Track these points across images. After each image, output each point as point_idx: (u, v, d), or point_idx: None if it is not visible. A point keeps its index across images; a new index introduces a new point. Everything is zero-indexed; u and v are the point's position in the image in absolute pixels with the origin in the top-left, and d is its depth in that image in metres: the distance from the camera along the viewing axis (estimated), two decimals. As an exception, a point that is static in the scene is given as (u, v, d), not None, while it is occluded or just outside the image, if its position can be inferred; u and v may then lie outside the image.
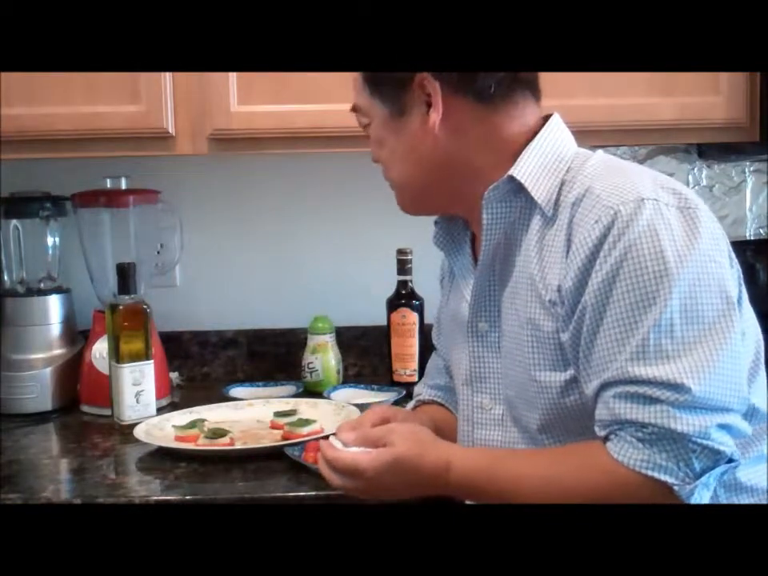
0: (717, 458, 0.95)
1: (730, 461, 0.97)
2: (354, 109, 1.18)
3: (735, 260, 1.05)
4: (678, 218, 0.99)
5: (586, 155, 1.11)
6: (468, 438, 1.20)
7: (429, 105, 1.09)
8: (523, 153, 1.09)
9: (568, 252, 1.02)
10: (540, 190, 1.08)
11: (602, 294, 0.98)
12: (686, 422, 0.94)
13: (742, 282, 1.05)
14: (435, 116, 1.08)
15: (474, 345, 1.17)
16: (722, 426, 0.96)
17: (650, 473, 0.95)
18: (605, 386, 0.99)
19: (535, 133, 1.11)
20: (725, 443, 0.96)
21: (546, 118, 1.13)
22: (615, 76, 1.60)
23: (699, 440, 0.94)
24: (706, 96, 1.71)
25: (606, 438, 1.00)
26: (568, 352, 1.04)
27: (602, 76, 1.53)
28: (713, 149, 1.93)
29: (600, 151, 1.13)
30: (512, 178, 1.08)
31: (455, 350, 1.24)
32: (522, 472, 1.04)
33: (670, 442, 0.95)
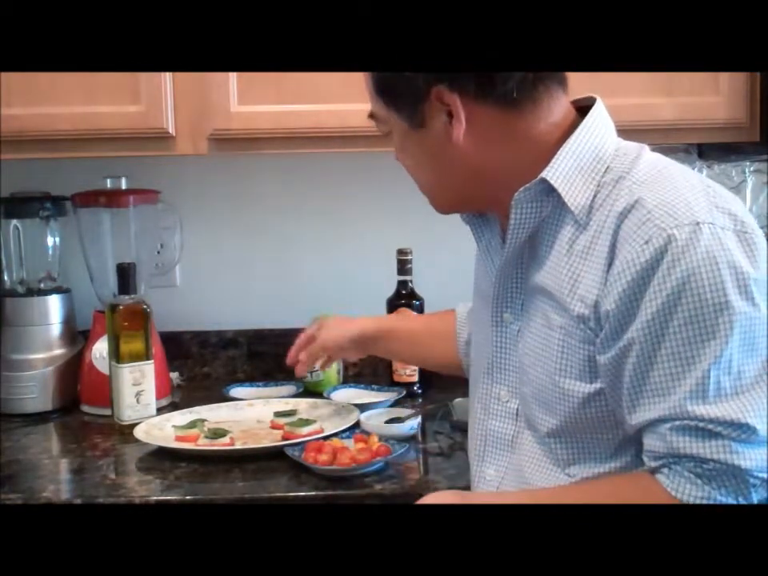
0: None
1: None
2: (372, 116, 1.13)
3: None
4: (736, 244, 0.95)
5: (631, 155, 1.05)
6: (481, 427, 1.18)
7: (450, 115, 1.04)
8: (558, 153, 1.04)
9: (610, 267, 0.97)
10: (573, 195, 1.03)
11: (657, 326, 0.94)
12: (748, 457, 0.92)
13: None
14: (459, 128, 1.04)
15: (497, 334, 1.14)
16: None
17: None
18: (660, 420, 0.96)
19: (569, 126, 1.06)
20: None
21: (584, 108, 1.09)
22: (615, 76, 1.60)
23: (760, 474, 0.93)
24: (706, 96, 1.71)
25: (655, 470, 0.97)
26: (602, 372, 1.00)
27: (602, 76, 1.52)
28: (713, 149, 1.93)
29: (646, 148, 1.08)
30: (544, 180, 1.04)
31: (478, 331, 1.22)
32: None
33: (730, 477, 0.93)
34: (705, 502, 0.94)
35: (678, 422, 0.94)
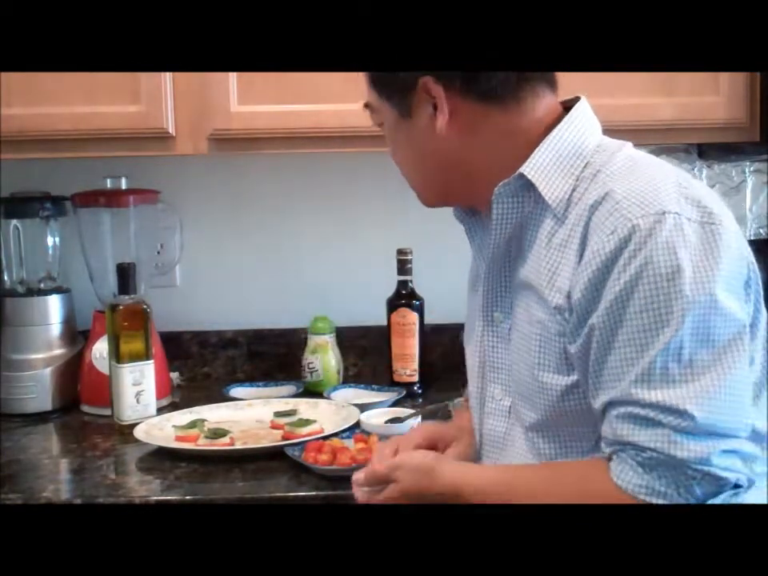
0: (720, 483, 0.93)
1: (737, 486, 0.94)
2: (367, 106, 1.15)
3: (757, 279, 1.00)
4: (699, 235, 0.95)
5: (610, 150, 1.06)
6: (478, 425, 1.19)
7: (435, 107, 1.06)
8: (537, 148, 1.05)
9: (581, 258, 0.99)
10: (551, 189, 1.04)
11: (615, 313, 0.95)
12: (686, 448, 0.92)
13: (762, 302, 1.00)
14: (442, 119, 1.06)
15: (488, 334, 1.15)
16: (727, 452, 0.93)
17: (648, 499, 0.93)
18: (610, 405, 0.97)
19: (552, 123, 1.07)
20: (729, 469, 0.93)
21: (567, 104, 1.09)
22: (615, 76, 1.60)
23: (699, 467, 0.92)
24: (706, 96, 1.71)
25: (609, 456, 0.98)
26: (574, 362, 1.02)
27: (601, 76, 1.53)
28: (713, 149, 1.93)
29: (629, 145, 1.08)
30: (522, 176, 1.05)
31: (471, 330, 1.22)
32: (531, 491, 1.02)
33: (669, 467, 0.93)
34: (644, 491, 0.94)
35: (622, 409, 0.95)
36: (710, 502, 0.93)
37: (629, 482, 0.95)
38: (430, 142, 1.09)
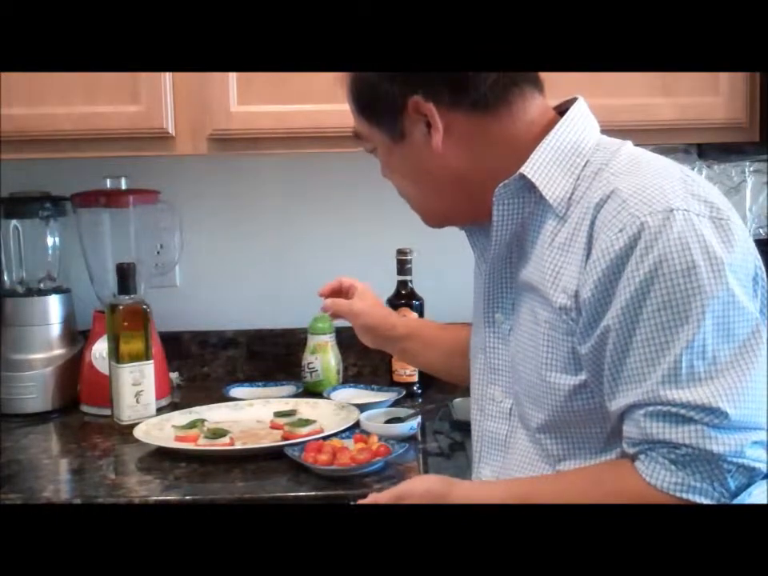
0: (752, 474, 0.94)
1: (765, 477, 0.95)
2: (357, 135, 1.16)
3: (763, 275, 1.00)
4: (711, 230, 0.95)
5: (611, 148, 1.06)
6: (477, 428, 1.19)
7: (428, 125, 1.06)
8: (537, 149, 1.06)
9: (588, 257, 0.98)
10: (552, 189, 1.04)
11: (631, 312, 0.95)
12: (720, 442, 0.92)
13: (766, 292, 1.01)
14: (437, 136, 1.06)
15: (489, 335, 1.15)
16: (756, 443, 0.94)
17: (684, 495, 0.94)
18: (635, 406, 0.96)
19: (548, 125, 1.07)
20: (759, 459, 0.94)
21: (564, 106, 1.10)
22: (615, 76, 1.60)
23: (734, 459, 0.93)
24: (706, 96, 1.71)
25: (634, 456, 0.98)
26: (584, 362, 1.01)
27: (601, 76, 1.53)
28: (713, 149, 1.93)
29: (629, 144, 1.08)
30: (523, 176, 1.05)
31: (474, 333, 1.23)
32: (550, 503, 1.00)
33: (704, 462, 0.93)
34: (680, 488, 0.94)
35: (651, 408, 0.95)
36: (741, 493, 0.94)
37: (663, 480, 0.95)
38: (427, 160, 1.09)
